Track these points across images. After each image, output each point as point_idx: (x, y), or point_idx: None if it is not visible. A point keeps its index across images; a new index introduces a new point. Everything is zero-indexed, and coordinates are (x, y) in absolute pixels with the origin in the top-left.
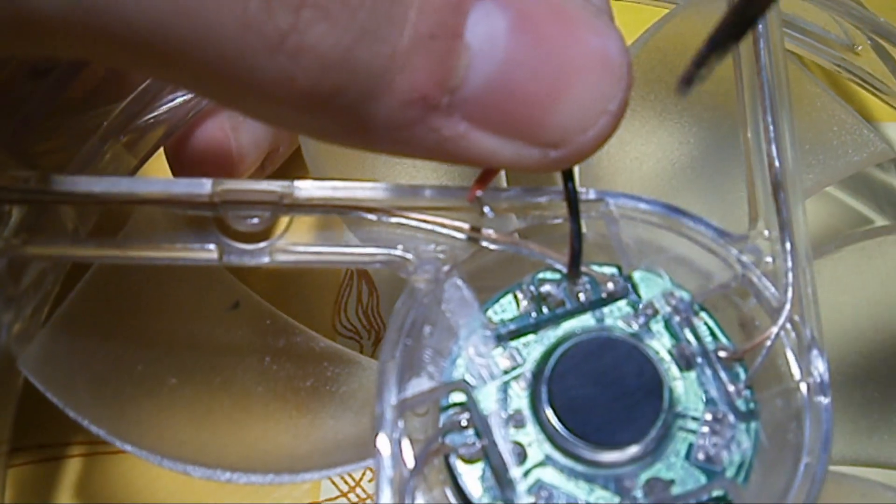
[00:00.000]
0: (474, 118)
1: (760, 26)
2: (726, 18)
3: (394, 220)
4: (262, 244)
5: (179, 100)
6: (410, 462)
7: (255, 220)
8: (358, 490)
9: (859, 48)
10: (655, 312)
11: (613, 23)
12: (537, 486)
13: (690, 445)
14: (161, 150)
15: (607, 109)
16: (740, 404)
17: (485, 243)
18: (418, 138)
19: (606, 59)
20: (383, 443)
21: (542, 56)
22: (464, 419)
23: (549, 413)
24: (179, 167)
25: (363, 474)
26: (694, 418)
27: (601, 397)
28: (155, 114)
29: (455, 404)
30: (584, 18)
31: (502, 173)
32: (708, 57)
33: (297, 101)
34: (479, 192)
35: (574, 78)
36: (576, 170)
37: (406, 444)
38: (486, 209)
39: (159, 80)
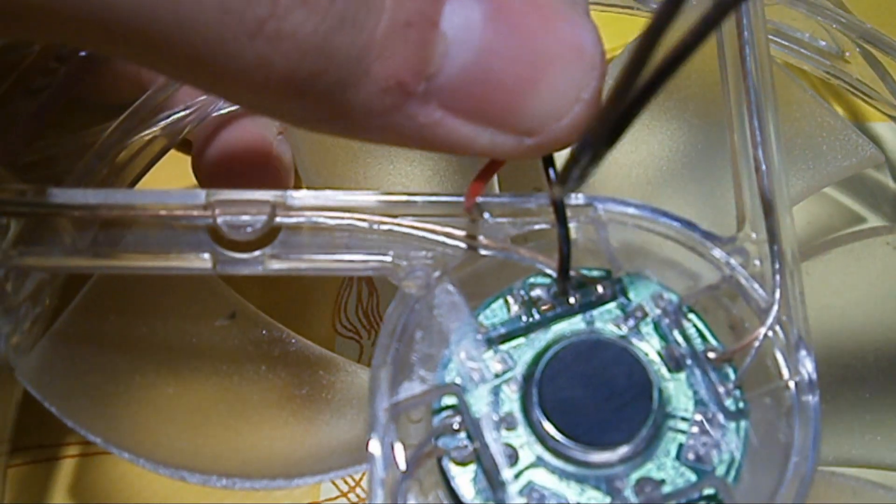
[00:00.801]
0: (450, 106)
1: (746, 33)
2: (597, 123)
3: (385, 227)
4: (255, 253)
5: (176, 115)
6: (402, 464)
7: (249, 230)
8: (358, 490)
9: (848, 55)
10: (645, 315)
11: (588, 14)
12: (529, 488)
13: (681, 445)
14: (158, 164)
15: (581, 97)
16: (730, 404)
17: (476, 249)
18: (395, 125)
19: (580, 49)
20: (375, 445)
21: (517, 45)
22: (456, 422)
23: (540, 415)
24: (207, 166)
25: (363, 475)
26: (684, 418)
27: (591, 399)
28: (152, 129)
29: (447, 407)
30: (558, 8)
31: (494, 179)
32: (580, 159)
33: (277, 87)
34: (479, 199)
35: (548, 66)
36: None
37: (398, 447)
38: (486, 215)
39: (142, 65)
